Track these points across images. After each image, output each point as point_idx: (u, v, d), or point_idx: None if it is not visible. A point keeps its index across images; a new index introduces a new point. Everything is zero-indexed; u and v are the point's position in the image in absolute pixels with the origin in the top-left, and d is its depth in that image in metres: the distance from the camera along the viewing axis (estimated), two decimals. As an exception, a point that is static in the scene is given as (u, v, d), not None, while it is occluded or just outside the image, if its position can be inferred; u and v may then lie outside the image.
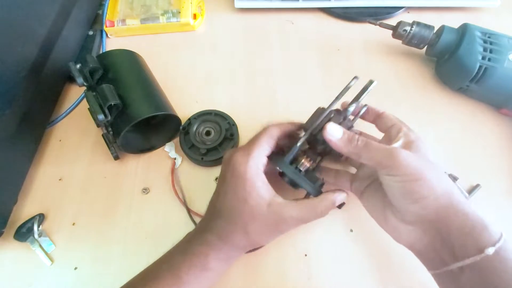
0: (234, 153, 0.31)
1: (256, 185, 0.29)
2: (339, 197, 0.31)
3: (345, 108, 0.33)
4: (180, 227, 0.36)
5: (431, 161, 0.29)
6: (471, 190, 0.37)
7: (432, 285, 0.33)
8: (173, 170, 0.40)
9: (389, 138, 0.32)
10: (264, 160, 0.31)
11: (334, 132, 0.30)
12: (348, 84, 0.32)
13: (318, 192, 0.31)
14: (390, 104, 0.44)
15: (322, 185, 0.32)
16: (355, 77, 0.32)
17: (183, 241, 0.31)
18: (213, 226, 0.31)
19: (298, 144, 0.32)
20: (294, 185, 0.33)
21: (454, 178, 0.37)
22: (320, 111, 0.33)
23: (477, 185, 0.38)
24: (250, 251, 0.34)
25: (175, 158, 0.40)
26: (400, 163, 0.27)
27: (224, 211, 0.30)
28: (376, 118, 0.35)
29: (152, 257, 0.35)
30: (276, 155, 0.32)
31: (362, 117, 0.36)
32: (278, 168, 0.31)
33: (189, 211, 0.37)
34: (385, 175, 0.28)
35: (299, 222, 0.30)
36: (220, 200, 0.31)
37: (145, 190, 0.39)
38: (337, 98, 0.32)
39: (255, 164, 0.30)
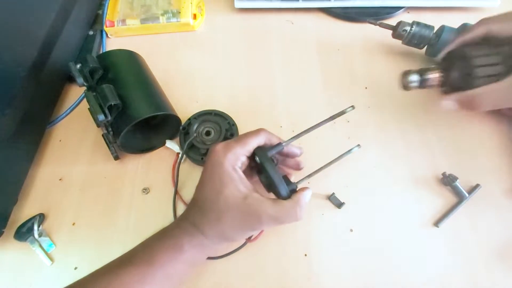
0: (218, 144, 0.32)
1: (233, 177, 0.30)
2: (308, 195, 0.31)
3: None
4: (180, 227, 0.36)
5: None
6: (471, 190, 0.37)
7: (430, 285, 0.33)
8: (174, 165, 0.40)
9: None
10: (243, 158, 0.31)
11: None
12: (344, 110, 0.33)
13: (288, 196, 0.31)
14: (390, 105, 0.45)
15: (293, 190, 0.31)
16: (352, 106, 0.33)
17: (160, 230, 0.32)
18: (189, 214, 0.32)
19: (284, 144, 0.32)
20: (269, 185, 0.32)
21: (454, 178, 0.37)
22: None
23: (477, 185, 0.38)
24: (211, 258, 0.34)
25: (179, 153, 0.40)
26: None
27: (200, 200, 0.31)
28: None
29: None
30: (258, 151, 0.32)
31: None
32: (257, 159, 0.31)
33: (177, 196, 0.37)
34: None
35: (273, 221, 0.29)
36: (198, 190, 0.32)
37: (145, 190, 0.39)
38: (332, 117, 0.33)
39: (234, 158, 0.30)
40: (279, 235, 0.36)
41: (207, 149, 0.39)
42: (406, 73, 0.33)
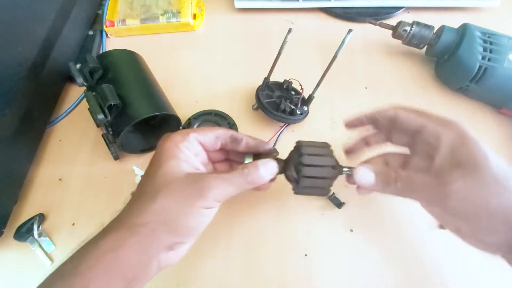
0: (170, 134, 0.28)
1: (175, 154, 0.26)
2: (269, 167, 0.27)
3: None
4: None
5: (491, 179, 0.24)
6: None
7: (429, 285, 0.33)
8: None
9: (426, 155, 0.27)
10: (195, 144, 0.28)
11: (366, 178, 0.27)
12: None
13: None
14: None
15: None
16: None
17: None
18: (118, 216, 0.26)
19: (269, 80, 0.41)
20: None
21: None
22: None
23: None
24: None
25: None
26: (453, 205, 0.24)
27: (137, 189, 0.27)
28: (389, 124, 0.30)
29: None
30: None
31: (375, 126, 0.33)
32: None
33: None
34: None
35: (228, 188, 0.25)
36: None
37: (145, 190, 0.39)
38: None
39: (180, 138, 0.27)
40: (279, 235, 0.36)
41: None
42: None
